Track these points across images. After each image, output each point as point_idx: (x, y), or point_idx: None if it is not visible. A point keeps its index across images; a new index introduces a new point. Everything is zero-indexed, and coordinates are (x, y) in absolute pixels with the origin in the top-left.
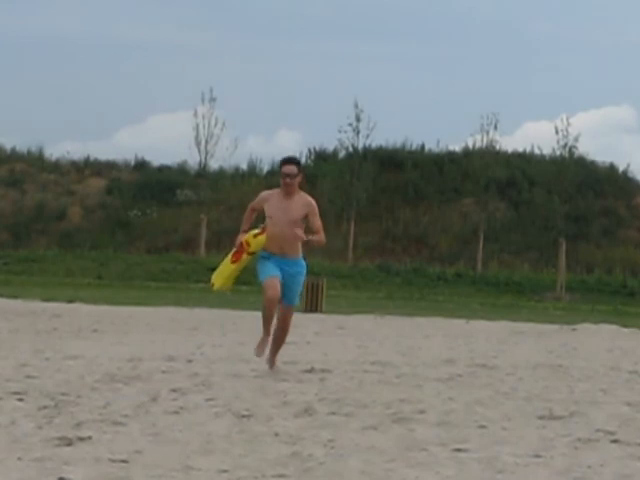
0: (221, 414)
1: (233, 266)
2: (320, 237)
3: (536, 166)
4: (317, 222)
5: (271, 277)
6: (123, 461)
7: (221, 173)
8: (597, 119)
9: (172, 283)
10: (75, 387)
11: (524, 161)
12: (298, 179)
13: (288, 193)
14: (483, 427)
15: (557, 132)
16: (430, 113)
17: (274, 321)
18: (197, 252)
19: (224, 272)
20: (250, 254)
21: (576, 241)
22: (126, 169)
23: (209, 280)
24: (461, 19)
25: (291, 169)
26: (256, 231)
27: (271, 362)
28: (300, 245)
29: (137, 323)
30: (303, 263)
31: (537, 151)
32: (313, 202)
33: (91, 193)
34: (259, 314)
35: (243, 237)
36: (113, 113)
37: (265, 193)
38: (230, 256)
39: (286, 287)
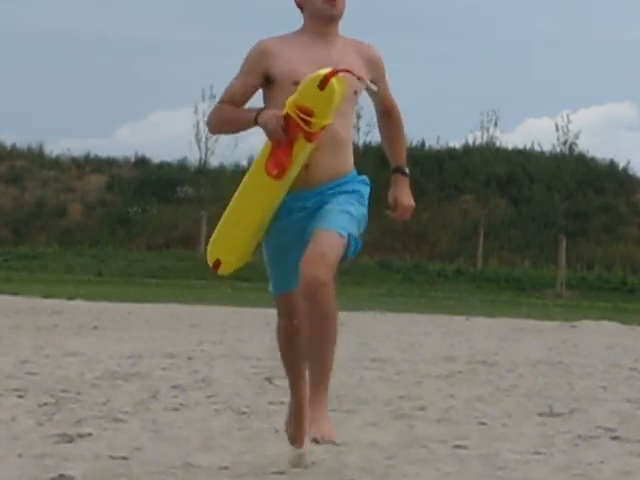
0: (221, 411)
1: (270, 191)
2: (399, 124)
3: (536, 163)
4: (388, 88)
5: (286, 292)
6: (123, 458)
7: (221, 170)
8: (599, 115)
9: (172, 280)
10: (75, 384)
11: (524, 158)
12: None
13: (329, 24)
14: (483, 424)
15: (557, 129)
16: (430, 110)
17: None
18: (197, 249)
19: (252, 218)
20: (314, 135)
21: (576, 238)
22: (126, 166)
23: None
24: (461, 15)
25: None
26: (326, 70)
27: (311, 431)
28: (351, 151)
29: (137, 320)
30: (358, 178)
31: (537, 148)
32: (379, 53)
33: (91, 190)
34: (259, 311)
35: (273, 111)
36: (113, 110)
37: (264, 42)
38: (252, 172)
39: (322, 211)
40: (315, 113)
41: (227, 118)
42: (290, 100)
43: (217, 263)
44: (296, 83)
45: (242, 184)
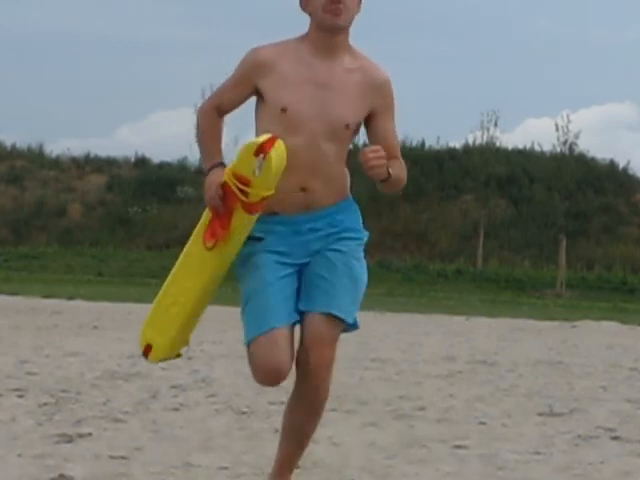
0: (221, 411)
1: (210, 264)
2: (400, 165)
3: (536, 163)
4: (393, 130)
5: (272, 330)
6: (123, 458)
7: None
8: (599, 115)
9: None
10: (75, 384)
11: (524, 158)
12: (356, 6)
13: (334, 36)
14: (483, 424)
15: (557, 129)
16: (430, 110)
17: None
18: None
19: (184, 303)
20: (253, 206)
21: (576, 238)
22: (126, 166)
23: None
24: (462, 15)
25: None
26: (264, 138)
27: None
28: (347, 177)
29: (137, 320)
30: (356, 212)
31: (537, 148)
32: (387, 78)
33: (91, 190)
34: None
35: (220, 174)
36: (113, 110)
37: (257, 52)
38: (192, 242)
39: (318, 281)
40: (252, 183)
41: (202, 140)
42: (228, 167)
43: (148, 348)
44: (284, 110)
45: (182, 255)
